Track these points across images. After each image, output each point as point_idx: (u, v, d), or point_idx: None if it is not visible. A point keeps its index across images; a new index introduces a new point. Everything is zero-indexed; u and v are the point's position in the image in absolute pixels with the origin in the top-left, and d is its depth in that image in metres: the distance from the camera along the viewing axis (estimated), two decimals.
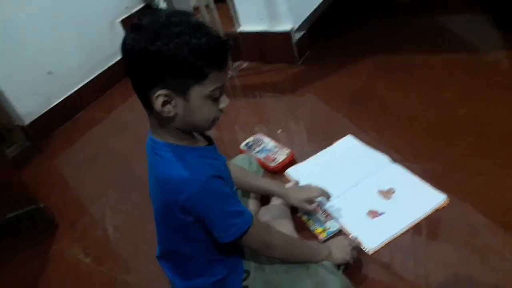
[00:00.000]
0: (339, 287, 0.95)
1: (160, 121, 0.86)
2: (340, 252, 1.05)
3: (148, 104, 0.82)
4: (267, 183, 1.27)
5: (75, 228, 1.55)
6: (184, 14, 0.81)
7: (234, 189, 1.01)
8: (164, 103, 0.80)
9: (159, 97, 0.79)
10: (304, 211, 1.27)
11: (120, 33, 2.49)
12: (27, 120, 2.09)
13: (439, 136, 1.43)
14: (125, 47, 0.79)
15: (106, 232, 1.49)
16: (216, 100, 0.85)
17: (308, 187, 1.24)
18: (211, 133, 0.99)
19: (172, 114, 0.82)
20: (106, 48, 2.37)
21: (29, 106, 2.09)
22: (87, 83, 2.31)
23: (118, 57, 2.60)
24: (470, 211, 1.16)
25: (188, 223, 0.89)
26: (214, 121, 0.89)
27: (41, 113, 2.14)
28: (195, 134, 0.98)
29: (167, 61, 0.76)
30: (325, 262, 1.01)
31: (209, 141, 1.00)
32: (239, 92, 2.11)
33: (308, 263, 1.01)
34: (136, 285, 1.26)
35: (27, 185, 1.49)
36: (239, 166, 1.28)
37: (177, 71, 0.77)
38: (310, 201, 1.20)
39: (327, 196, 1.22)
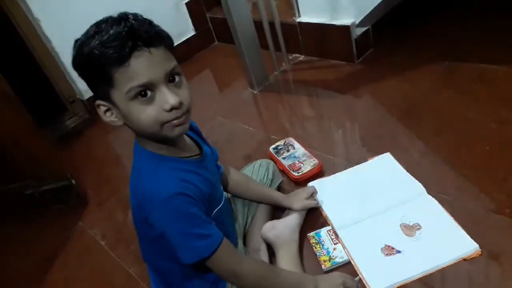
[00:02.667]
0: None
1: (131, 129, 0.83)
2: None
3: None
4: (270, 192, 1.23)
5: (101, 208, 1.61)
6: (106, 20, 0.74)
7: (219, 207, 0.94)
8: (106, 113, 0.79)
9: (98, 107, 0.79)
10: (316, 232, 1.19)
11: (185, 15, 2.50)
12: (86, 95, 2.21)
13: (494, 169, 1.20)
14: None
15: (126, 217, 1.52)
16: (148, 101, 0.75)
17: (302, 188, 1.27)
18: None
19: (119, 123, 0.80)
20: (171, 30, 2.38)
21: None
22: None
23: (182, 39, 2.65)
24: (503, 270, 0.96)
25: (157, 235, 0.84)
26: (162, 126, 0.78)
27: None
28: (185, 142, 0.92)
29: (80, 71, 0.76)
30: None
31: (201, 151, 0.95)
32: (289, 87, 2.00)
33: None
34: (137, 278, 1.27)
35: (62, 162, 1.58)
36: (243, 174, 1.23)
37: (90, 79, 0.77)
38: (312, 198, 1.24)
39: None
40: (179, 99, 0.76)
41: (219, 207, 0.95)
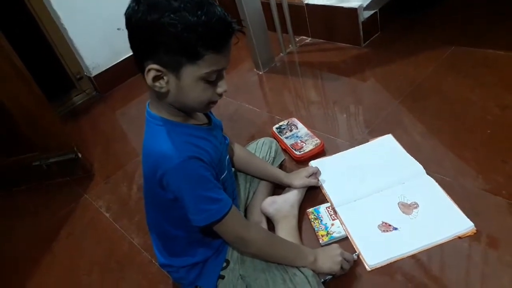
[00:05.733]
0: None
1: (156, 95, 0.84)
2: (328, 262, 0.97)
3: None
4: (272, 169, 1.25)
5: (107, 181, 1.65)
6: None
7: (223, 176, 0.97)
8: (156, 78, 0.78)
9: (150, 71, 0.77)
10: (315, 208, 1.22)
11: None
12: (95, 72, 2.24)
13: (494, 152, 1.21)
14: (126, 16, 0.77)
15: (131, 190, 1.56)
16: (212, 83, 0.81)
17: (303, 168, 1.30)
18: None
19: (164, 90, 0.80)
20: None
21: (98, 59, 2.22)
22: None
23: None
24: (497, 249, 0.98)
25: (168, 200, 0.87)
26: (208, 104, 0.86)
27: (108, 67, 2.27)
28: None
29: (160, 35, 0.73)
30: (305, 270, 0.95)
31: (210, 120, 0.97)
32: (295, 68, 2.01)
33: (288, 266, 0.96)
34: (140, 248, 1.31)
35: (69, 135, 1.61)
36: (246, 149, 1.25)
37: (170, 47, 0.74)
38: (313, 177, 1.26)
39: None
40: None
41: (224, 175, 0.97)
